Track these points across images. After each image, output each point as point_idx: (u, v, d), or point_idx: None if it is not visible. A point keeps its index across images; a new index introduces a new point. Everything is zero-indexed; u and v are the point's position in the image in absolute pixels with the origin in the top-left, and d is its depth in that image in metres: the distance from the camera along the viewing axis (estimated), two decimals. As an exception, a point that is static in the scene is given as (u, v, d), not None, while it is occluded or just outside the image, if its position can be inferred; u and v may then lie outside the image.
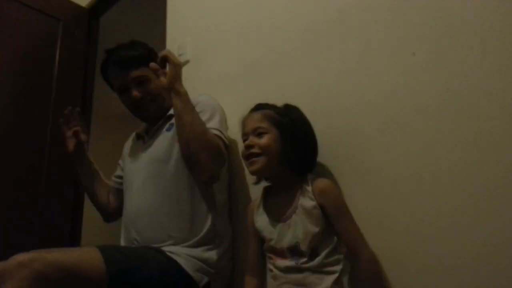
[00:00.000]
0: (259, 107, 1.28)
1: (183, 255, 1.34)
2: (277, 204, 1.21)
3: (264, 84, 1.61)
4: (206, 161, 1.36)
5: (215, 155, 1.38)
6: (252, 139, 1.21)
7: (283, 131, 1.21)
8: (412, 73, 1.19)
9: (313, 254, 1.11)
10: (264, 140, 1.20)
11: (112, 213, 1.69)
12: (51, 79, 2.19)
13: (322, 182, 1.16)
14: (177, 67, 1.39)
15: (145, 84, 1.55)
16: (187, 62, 1.95)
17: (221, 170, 1.44)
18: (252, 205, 1.30)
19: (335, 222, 1.12)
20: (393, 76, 1.23)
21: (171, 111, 1.55)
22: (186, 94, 1.39)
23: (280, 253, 1.16)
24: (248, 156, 1.22)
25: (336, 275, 1.09)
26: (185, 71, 1.95)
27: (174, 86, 1.37)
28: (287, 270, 1.13)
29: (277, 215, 1.19)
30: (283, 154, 1.19)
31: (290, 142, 1.20)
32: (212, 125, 1.44)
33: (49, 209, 2.00)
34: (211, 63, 1.86)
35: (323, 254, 1.10)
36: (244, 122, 1.28)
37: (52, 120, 2.12)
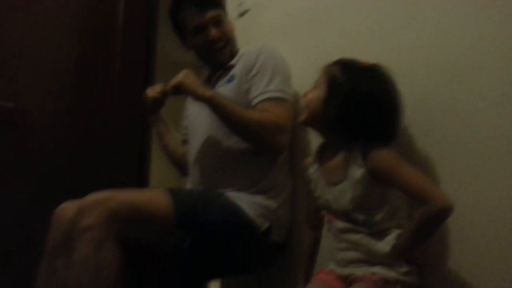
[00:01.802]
0: (337, 60, 1.17)
1: (246, 200, 1.38)
2: (329, 167, 1.16)
3: (326, 32, 1.55)
4: (266, 140, 1.39)
5: (273, 130, 1.37)
6: (307, 90, 1.18)
7: (332, 92, 1.10)
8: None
9: (366, 221, 1.07)
10: (311, 93, 1.16)
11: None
12: (116, 30, 2.24)
13: (372, 150, 1.04)
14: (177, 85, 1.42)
15: (221, 24, 1.55)
16: (247, 11, 1.93)
17: (287, 138, 1.42)
18: (307, 162, 1.26)
19: (391, 181, 1.04)
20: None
21: (233, 61, 1.56)
22: (210, 97, 1.38)
23: (334, 213, 1.14)
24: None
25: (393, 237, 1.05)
26: (245, 20, 1.94)
27: (197, 95, 1.39)
28: (344, 230, 1.12)
29: (328, 178, 1.15)
30: (325, 116, 1.10)
31: (331, 105, 1.09)
32: (274, 87, 1.42)
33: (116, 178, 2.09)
34: (271, 10, 1.82)
35: (377, 220, 1.06)
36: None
37: (118, 73, 2.19)
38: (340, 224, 1.12)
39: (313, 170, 1.21)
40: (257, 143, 1.42)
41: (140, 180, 2.16)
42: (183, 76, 1.41)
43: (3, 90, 1.87)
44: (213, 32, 1.52)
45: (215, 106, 1.37)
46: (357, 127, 1.07)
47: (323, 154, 1.20)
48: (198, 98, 1.39)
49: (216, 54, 1.56)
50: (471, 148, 1.07)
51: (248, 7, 1.93)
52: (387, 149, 1.05)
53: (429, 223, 1.00)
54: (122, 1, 2.27)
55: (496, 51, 1.04)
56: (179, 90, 1.41)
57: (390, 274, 1.03)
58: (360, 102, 1.05)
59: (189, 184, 1.57)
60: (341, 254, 1.13)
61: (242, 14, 1.98)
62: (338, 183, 1.10)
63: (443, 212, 0.97)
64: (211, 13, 1.52)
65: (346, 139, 1.09)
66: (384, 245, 1.04)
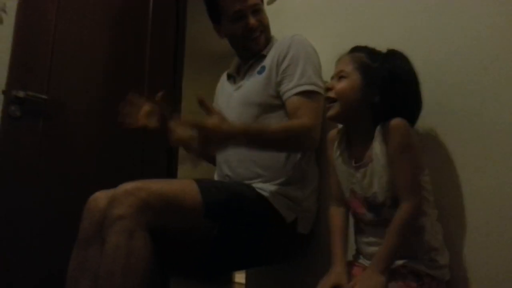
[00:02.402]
0: (354, 49, 1.19)
1: (272, 192, 1.39)
2: (355, 149, 1.16)
3: (355, 19, 1.54)
4: (302, 146, 1.40)
5: (305, 136, 1.35)
6: (332, 82, 1.15)
7: (369, 79, 1.10)
8: None
9: (393, 205, 1.06)
10: (341, 84, 1.13)
11: None
12: (146, 18, 2.26)
13: (391, 121, 1.06)
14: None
15: (259, 13, 1.54)
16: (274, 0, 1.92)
17: (318, 134, 1.40)
18: (332, 137, 1.25)
19: (392, 163, 1.05)
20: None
21: (264, 51, 1.56)
22: (239, 133, 1.22)
23: (360, 200, 1.14)
24: (326, 100, 1.17)
25: (426, 232, 1.05)
26: (274, 7, 1.93)
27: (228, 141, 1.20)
28: (372, 223, 1.12)
29: (354, 161, 1.15)
30: (363, 103, 1.11)
31: (372, 92, 1.10)
32: (306, 80, 1.41)
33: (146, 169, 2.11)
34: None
35: None
36: (336, 62, 1.21)
37: (148, 65, 2.21)
38: (368, 216, 1.12)
39: (337, 155, 1.21)
40: (295, 151, 1.43)
41: (169, 171, 2.19)
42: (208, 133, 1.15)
43: (37, 82, 1.92)
44: (252, 21, 1.50)
45: (247, 139, 1.27)
46: (398, 107, 1.09)
47: (349, 136, 1.20)
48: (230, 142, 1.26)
49: (253, 42, 1.54)
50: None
51: (276, -6, 1.92)
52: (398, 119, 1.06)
53: (403, 225, 1.02)
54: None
55: None
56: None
57: (420, 267, 1.03)
58: (399, 82, 1.10)
59: (216, 176, 1.59)
60: (370, 249, 1.12)
61: (271, 2, 1.97)
62: (363, 167, 1.11)
63: (408, 216, 1.02)
64: (251, 1, 1.51)
65: (376, 124, 1.10)
66: None
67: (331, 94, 1.14)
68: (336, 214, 1.24)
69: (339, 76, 1.14)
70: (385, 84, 1.09)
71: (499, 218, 1.05)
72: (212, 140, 1.13)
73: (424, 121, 1.18)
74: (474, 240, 1.09)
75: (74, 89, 2.01)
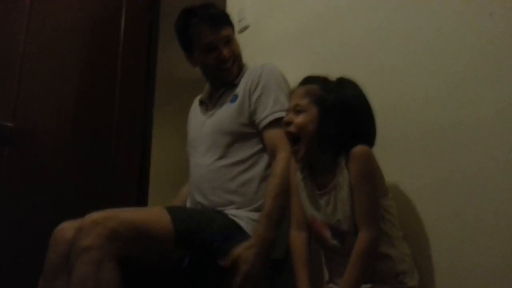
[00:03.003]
0: (306, 81, 1.18)
1: (245, 218, 1.38)
2: (318, 176, 1.16)
3: (323, 47, 1.58)
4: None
5: (287, 169, 1.33)
6: (290, 116, 1.14)
7: (324, 111, 1.10)
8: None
9: (356, 233, 1.05)
10: (299, 118, 1.12)
11: None
12: (117, 45, 2.26)
13: (354, 149, 1.06)
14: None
15: (231, 43, 1.54)
16: (247, 27, 1.94)
17: None
18: (295, 164, 1.25)
19: (353, 190, 1.05)
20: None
21: (237, 80, 1.56)
22: (264, 242, 1.29)
23: (323, 226, 1.13)
24: (287, 135, 1.16)
25: (393, 257, 1.06)
26: (245, 36, 1.96)
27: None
28: (337, 251, 1.12)
29: (318, 188, 1.15)
30: (320, 136, 1.11)
31: (330, 123, 1.09)
32: (279, 107, 1.42)
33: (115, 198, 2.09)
34: (270, 27, 1.84)
35: None
36: (291, 96, 1.21)
37: (119, 91, 2.20)
38: (333, 242, 1.12)
39: (299, 179, 1.21)
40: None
41: (139, 200, 2.15)
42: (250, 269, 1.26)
43: (3, 109, 1.87)
44: (225, 51, 1.51)
45: (277, 223, 1.32)
46: (356, 134, 1.10)
47: (310, 168, 1.20)
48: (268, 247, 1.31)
49: (225, 72, 1.55)
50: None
51: (248, 23, 1.95)
52: (362, 147, 1.07)
53: (365, 256, 1.02)
54: (123, 15, 2.29)
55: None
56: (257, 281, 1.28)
57: None
58: (354, 110, 1.11)
59: (188, 203, 1.56)
60: (337, 279, 1.12)
61: (242, 31, 2.00)
62: (326, 195, 1.11)
63: (367, 247, 1.02)
64: (224, 32, 1.51)
65: (338, 153, 1.10)
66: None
67: (292, 128, 1.13)
68: (297, 239, 1.21)
69: (297, 110, 1.13)
70: (341, 114, 1.09)
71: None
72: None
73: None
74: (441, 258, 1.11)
75: (43, 116, 1.97)
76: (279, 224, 1.32)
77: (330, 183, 1.11)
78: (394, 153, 1.26)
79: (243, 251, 1.27)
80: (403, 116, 1.28)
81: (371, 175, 1.06)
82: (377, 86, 1.33)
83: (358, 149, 1.06)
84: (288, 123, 1.14)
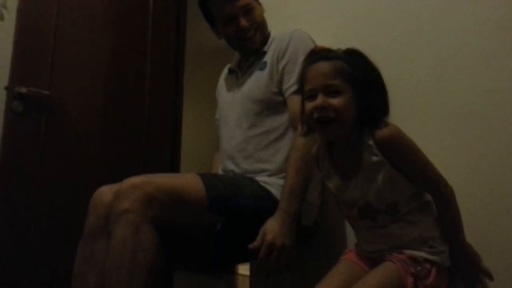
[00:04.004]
0: (327, 56, 1.07)
1: (276, 185, 1.40)
2: (343, 158, 1.13)
3: (353, 13, 1.56)
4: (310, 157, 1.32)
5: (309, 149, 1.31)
6: (325, 100, 1.02)
7: (359, 91, 1.03)
8: None
9: (391, 211, 1.06)
10: (339, 101, 1.02)
11: None
12: (147, 17, 2.26)
13: (382, 133, 1.02)
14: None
15: (251, 12, 1.52)
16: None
17: None
18: (315, 151, 1.22)
19: (407, 171, 1.04)
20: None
21: (265, 47, 1.56)
22: (289, 216, 1.28)
23: (353, 208, 1.13)
24: (319, 119, 1.04)
25: (422, 225, 1.06)
26: (275, 2, 1.94)
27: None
28: (368, 227, 1.12)
29: (342, 171, 1.13)
30: (359, 118, 1.05)
31: (365, 102, 1.03)
32: None
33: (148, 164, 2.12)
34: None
35: (403, 208, 1.06)
36: (311, 73, 1.07)
37: (150, 61, 2.22)
38: (363, 222, 1.12)
39: (324, 161, 1.18)
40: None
41: (172, 166, 2.20)
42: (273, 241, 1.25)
43: (40, 78, 1.92)
44: (243, 22, 1.50)
45: (300, 197, 1.32)
46: (378, 109, 1.06)
47: (330, 154, 1.17)
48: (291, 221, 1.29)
49: (248, 42, 1.55)
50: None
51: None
52: (389, 128, 1.05)
53: (455, 204, 1.06)
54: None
55: None
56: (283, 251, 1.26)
57: (418, 253, 1.04)
58: (376, 84, 1.07)
59: (220, 170, 1.59)
60: (369, 246, 1.14)
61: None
62: (353, 177, 1.09)
63: (453, 198, 1.06)
64: (240, 2, 1.50)
65: (360, 133, 1.07)
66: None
67: (330, 113, 1.03)
68: None
69: (329, 91, 1.03)
70: (370, 91, 1.04)
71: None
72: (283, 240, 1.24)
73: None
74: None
75: (76, 85, 2.01)
76: (303, 195, 1.32)
77: (355, 162, 1.08)
78: (408, 127, 1.24)
79: (269, 223, 1.27)
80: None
81: (411, 145, 1.05)
82: (403, 55, 1.31)
83: (390, 132, 1.03)
84: (324, 108, 1.02)
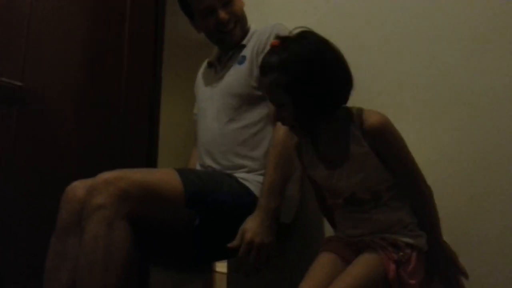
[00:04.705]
0: (263, 70, 1.07)
1: (254, 182, 1.39)
2: (327, 148, 1.14)
3: (335, 10, 1.56)
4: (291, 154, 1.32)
5: (289, 144, 1.31)
6: (278, 112, 1.08)
7: (296, 96, 1.03)
8: None
9: (375, 198, 1.09)
10: (285, 113, 1.06)
11: None
12: (124, 7, 2.21)
13: (370, 122, 1.04)
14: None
15: (230, 5, 1.50)
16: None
17: None
18: (298, 145, 1.23)
19: (389, 160, 1.06)
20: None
21: (244, 41, 1.54)
22: (268, 213, 1.28)
23: (338, 196, 1.15)
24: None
25: (403, 210, 1.09)
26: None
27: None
28: (351, 211, 1.14)
29: (327, 160, 1.14)
30: (302, 119, 1.07)
31: (304, 102, 1.03)
32: None
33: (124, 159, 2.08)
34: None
35: (385, 194, 1.09)
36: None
37: (127, 54, 2.17)
38: (347, 208, 1.14)
39: (307, 156, 1.19)
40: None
41: (149, 161, 2.16)
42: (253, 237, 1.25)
43: (12, 68, 1.85)
44: (222, 14, 1.48)
45: (279, 196, 1.31)
46: (334, 90, 1.04)
47: (313, 146, 1.18)
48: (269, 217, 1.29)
49: (227, 35, 1.53)
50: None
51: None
52: (377, 117, 1.05)
53: (432, 202, 1.08)
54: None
55: None
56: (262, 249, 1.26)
57: (400, 238, 1.06)
58: (318, 72, 1.01)
59: (198, 166, 1.57)
60: (350, 231, 1.15)
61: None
62: (338, 167, 1.10)
63: (430, 198, 1.09)
64: None
65: (330, 119, 1.08)
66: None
67: (286, 124, 1.11)
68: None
69: (277, 105, 1.08)
70: (308, 84, 1.01)
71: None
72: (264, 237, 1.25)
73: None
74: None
75: (50, 77, 1.95)
76: (282, 192, 1.32)
77: (340, 152, 1.09)
78: (409, 121, 1.25)
79: (248, 222, 1.27)
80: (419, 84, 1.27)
81: (398, 137, 1.07)
82: (391, 52, 1.31)
83: (375, 120, 1.04)
84: (280, 120, 1.10)
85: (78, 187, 1.22)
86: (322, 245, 1.20)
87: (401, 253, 1.03)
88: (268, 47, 1.41)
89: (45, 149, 1.91)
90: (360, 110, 1.08)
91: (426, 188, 1.08)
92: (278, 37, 1.09)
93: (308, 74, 1.01)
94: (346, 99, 1.07)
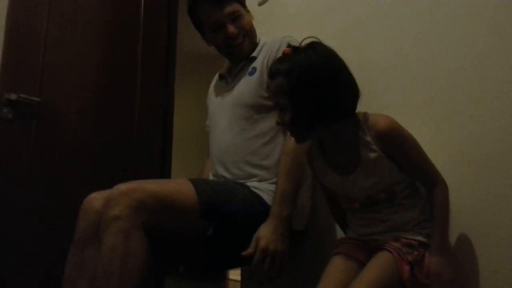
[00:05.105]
0: (270, 73, 1.10)
1: (266, 190, 1.40)
2: (338, 155, 1.15)
3: (345, 19, 1.57)
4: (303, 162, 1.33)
5: (301, 153, 1.31)
6: (280, 116, 1.11)
7: (295, 103, 1.06)
8: None
9: (389, 199, 1.10)
10: (286, 118, 1.08)
11: None
12: (138, 21, 2.27)
13: (377, 127, 1.05)
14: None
15: (239, 19, 1.53)
16: (266, 1, 1.93)
17: None
18: (307, 150, 1.24)
19: (403, 162, 1.07)
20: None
21: (254, 53, 1.57)
22: (281, 220, 1.29)
23: (352, 200, 1.15)
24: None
25: (416, 208, 1.09)
26: (264, 9, 1.95)
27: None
28: (364, 211, 1.14)
29: (339, 167, 1.14)
30: (300, 126, 1.10)
31: (304, 109, 1.06)
32: None
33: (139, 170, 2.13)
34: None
35: (400, 194, 1.09)
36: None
37: (141, 66, 2.22)
38: (362, 210, 1.15)
39: (318, 164, 1.20)
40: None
41: (162, 172, 2.20)
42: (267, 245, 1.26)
43: (29, 84, 1.91)
44: (231, 29, 1.51)
45: (292, 200, 1.33)
46: (339, 102, 1.05)
47: (322, 152, 1.19)
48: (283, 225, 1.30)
49: (235, 49, 1.56)
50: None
51: (266, -4, 1.93)
52: (384, 121, 1.07)
53: (447, 203, 1.06)
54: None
55: None
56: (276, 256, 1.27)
57: (413, 237, 1.06)
58: (323, 82, 1.04)
59: (211, 176, 1.59)
60: (362, 230, 1.16)
61: (261, 3, 1.99)
62: (351, 172, 1.11)
63: (447, 191, 1.07)
64: (227, 9, 1.50)
65: (336, 125, 1.08)
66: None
67: (287, 128, 1.14)
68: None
69: (279, 109, 1.10)
70: (310, 92, 1.04)
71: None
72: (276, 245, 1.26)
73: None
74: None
75: (66, 91, 2.01)
76: (294, 200, 1.33)
77: (351, 158, 1.10)
78: (418, 123, 1.26)
79: (262, 229, 1.28)
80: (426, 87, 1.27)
81: (409, 138, 1.07)
82: (401, 55, 1.32)
83: (384, 125, 1.05)
84: (279, 123, 1.12)
85: (96, 198, 1.25)
86: (334, 248, 1.20)
87: (415, 253, 1.03)
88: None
89: (63, 162, 1.96)
90: (366, 115, 1.09)
91: (444, 188, 1.07)
92: (290, 46, 1.13)
93: (311, 82, 1.03)
94: (350, 110, 1.09)
